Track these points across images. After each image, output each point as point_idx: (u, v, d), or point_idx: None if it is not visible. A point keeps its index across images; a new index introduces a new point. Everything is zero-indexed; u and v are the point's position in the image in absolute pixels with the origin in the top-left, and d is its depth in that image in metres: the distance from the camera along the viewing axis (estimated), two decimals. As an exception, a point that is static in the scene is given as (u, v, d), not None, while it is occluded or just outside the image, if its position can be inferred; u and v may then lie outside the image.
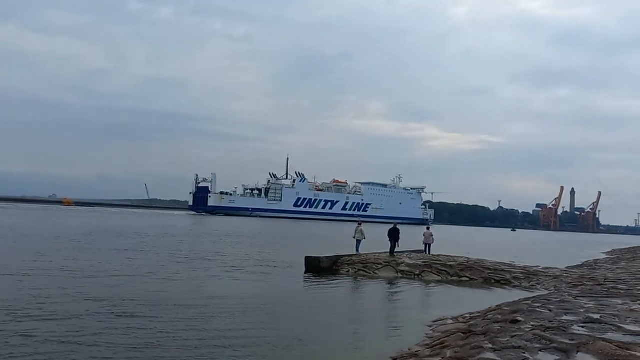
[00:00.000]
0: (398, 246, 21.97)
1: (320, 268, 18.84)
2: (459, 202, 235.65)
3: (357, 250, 22.02)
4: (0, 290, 11.14)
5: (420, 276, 18.53)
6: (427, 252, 23.88)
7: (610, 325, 7.79)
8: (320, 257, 19.50)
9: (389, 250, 21.69)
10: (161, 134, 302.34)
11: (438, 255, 22.43)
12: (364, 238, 22.57)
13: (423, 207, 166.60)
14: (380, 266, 19.51)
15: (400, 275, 18.69)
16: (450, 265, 19.32)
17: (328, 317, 10.95)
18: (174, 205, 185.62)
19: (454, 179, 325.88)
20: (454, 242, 46.33)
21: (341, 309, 12.21)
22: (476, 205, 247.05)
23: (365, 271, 19.19)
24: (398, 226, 22.71)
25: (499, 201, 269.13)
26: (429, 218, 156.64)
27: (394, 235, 21.89)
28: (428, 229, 25.34)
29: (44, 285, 12.30)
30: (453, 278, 18.35)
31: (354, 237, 22.69)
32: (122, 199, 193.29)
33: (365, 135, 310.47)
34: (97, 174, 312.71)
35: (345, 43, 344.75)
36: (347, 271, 19.31)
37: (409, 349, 8.03)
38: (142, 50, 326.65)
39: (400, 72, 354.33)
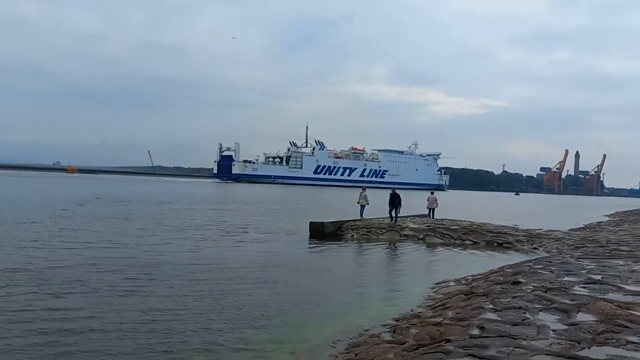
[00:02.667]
0: (399, 212, 21.29)
1: (324, 233, 19.02)
2: (463, 167, 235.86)
3: (361, 215, 22.15)
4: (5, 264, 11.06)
5: (423, 240, 18.69)
6: (431, 217, 24.06)
7: (611, 285, 7.87)
8: (324, 223, 19.66)
9: (389, 217, 21.17)
10: (161, 100, 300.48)
11: (442, 220, 22.58)
12: (368, 203, 22.67)
13: (439, 172, 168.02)
14: (384, 231, 19.69)
15: (403, 239, 18.87)
16: (453, 229, 19.46)
17: (331, 281, 11.11)
18: (178, 172, 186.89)
19: (457, 143, 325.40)
20: (458, 206, 46.50)
21: (345, 273, 12.37)
22: (480, 170, 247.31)
23: (369, 236, 19.38)
24: (397, 191, 21.83)
25: (503, 165, 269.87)
26: (444, 184, 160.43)
27: (393, 202, 21.13)
28: (432, 193, 25.40)
29: (52, 256, 12.44)
30: (456, 241, 18.51)
31: (358, 203, 22.82)
32: (125, 166, 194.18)
33: (368, 100, 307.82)
34: (100, 141, 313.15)
35: (344, 5, 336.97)
36: (352, 236, 19.50)
37: (412, 310, 8.18)
38: (139, 14, 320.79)
39: (401, 36, 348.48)
